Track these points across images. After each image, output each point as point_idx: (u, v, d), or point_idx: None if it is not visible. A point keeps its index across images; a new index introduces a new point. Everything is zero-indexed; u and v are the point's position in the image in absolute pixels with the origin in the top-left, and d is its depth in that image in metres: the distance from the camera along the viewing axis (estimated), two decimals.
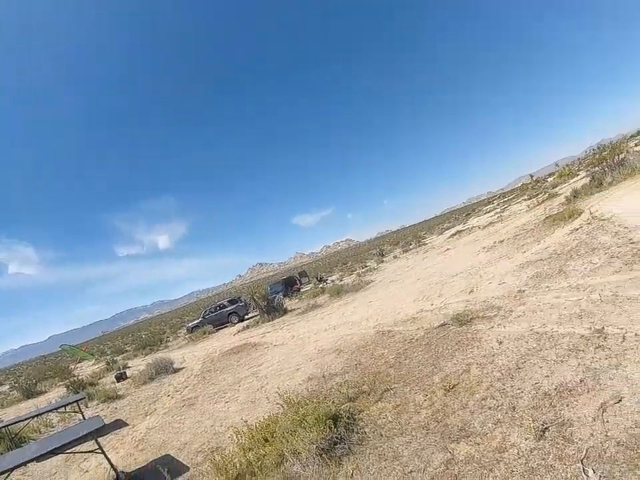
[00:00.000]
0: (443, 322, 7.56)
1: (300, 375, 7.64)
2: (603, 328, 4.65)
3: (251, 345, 13.32)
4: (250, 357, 11.39)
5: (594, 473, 2.59)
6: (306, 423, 4.36)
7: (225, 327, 23.83)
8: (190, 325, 25.92)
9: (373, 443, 4.12)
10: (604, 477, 2.53)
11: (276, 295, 21.62)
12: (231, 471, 4.30)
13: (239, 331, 18.69)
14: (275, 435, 4.58)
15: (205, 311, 25.46)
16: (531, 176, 36.53)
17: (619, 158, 15.01)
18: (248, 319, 23.21)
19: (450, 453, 3.47)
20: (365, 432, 4.38)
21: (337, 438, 4.25)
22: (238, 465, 4.39)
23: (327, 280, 31.97)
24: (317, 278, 33.68)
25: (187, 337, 24.25)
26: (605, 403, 3.29)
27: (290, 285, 31.17)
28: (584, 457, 2.79)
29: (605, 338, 4.42)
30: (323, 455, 4.02)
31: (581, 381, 3.80)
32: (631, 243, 7.12)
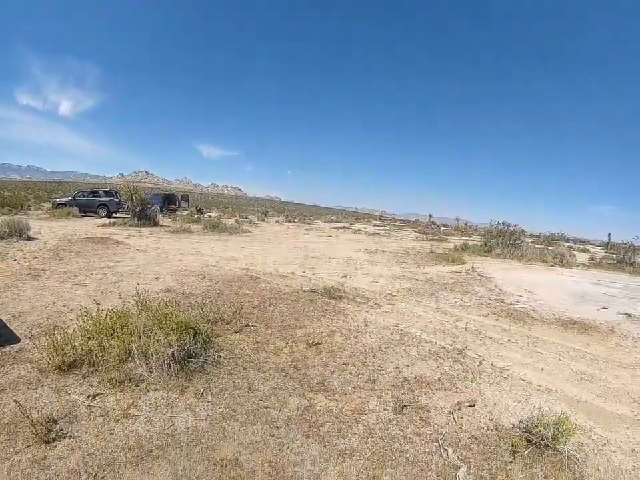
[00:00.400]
0: (312, 289, 7.68)
1: (158, 284, 7.24)
2: (463, 349, 5.08)
3: (113, 241, 12.48)
4: (109, 252, 10.63)
5: (453, 452, 2.70)
6: (165, 325, 3.91)
7: (92, 216, 22.72)
8: (57, 200, 24.73)
9: (227, 369, 3.91)
10: (460, 458, 2.66)
11: (153, 205, 21.05)
12: (68, 354, 3.67)
13: (103, 225, 17.81)
14: (125, 330, 3.98)
15: (77, 192, 24.60)
16: (430, 215, 39.78)
17: (514, 241, 17.33)
18: (115, 217, 22.30)
19: (308, 401, 3.41)
20: (221, 357, 4.16)
21: (193, 351, 3.89)
22: (78, 349, 3.76)
23: (205, 213, 31.64)
24: (196, 208, 33.55)
25: (49, 211, 22.90)
26: (460, 403, 3.55)
27: (169, 202, 31.06)
28: (441, 438, 2.93)
29: (464, 357, 4.83)
30: (174, 365, 3.62)
31: (438, 380, 4.08)
32: (502, 302, 8.04)
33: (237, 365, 4.02)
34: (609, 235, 26.76)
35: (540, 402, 3.67)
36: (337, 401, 3.44)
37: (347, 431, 3.00)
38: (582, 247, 26.83)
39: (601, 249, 25.98)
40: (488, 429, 3.14)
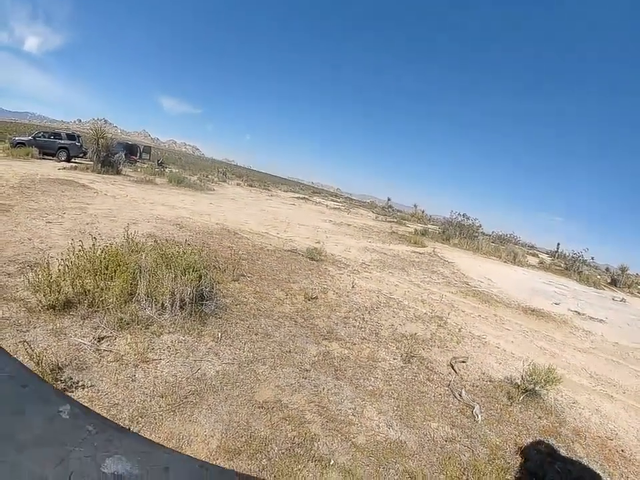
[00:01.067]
0: (293, 249, 7.94)
1: (137, 228, 6.77)
2: (443, 317, 5.65)
3: (79, 184, 11.78)
4: (77, 194, 9.98)
5: (466, 394, 3.15)
6: (177, 265, 3.74)
7: (51, 159, 21.30)
8: (16, 139, 22.92)
9: (238, 314, 4.02)
10: (472, 400, 3.11)
11: (118, 153, 20.15)
12: (63, 292, 3.28)
13: (65, 168, 16.72)
14: (125, 269, 3.68)
15: (38, 133, 22.80)
16: (389, 199, 40.79)
17: (472, 233, 18.63)
18: (75, 162, 20.99)
19: (325, 347, 3.73)
20: (227, 303, 4.22)
21: (204, 295, 3.89)
22: (75, 289, 3.40)
23: (166, 167, 30.55)
24: (157, 161, 32.27)
25: (7, 150, 20.94)
26: (455, 358, 4.07)
27: (131, 152, 29.65)
28: (450, 384, 3.38)
29: (445, 323, 5.41)
30: (189, 306, 3.58)
31: (430, 339, 4.60)
32: (467, 285, 8.83)
33: (245, 311, 4.15)
34: (558, 244, 28.97)
35: (517, 365, 4.24)
36: (349, 349, 3.81)
37: (368, 375, 3.38)
38: (530, 251, 28.90)
39: (548, 257, 27.97)
40: (483, 380, 3.70)
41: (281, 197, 27.59)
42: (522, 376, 3.54)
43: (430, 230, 19.51)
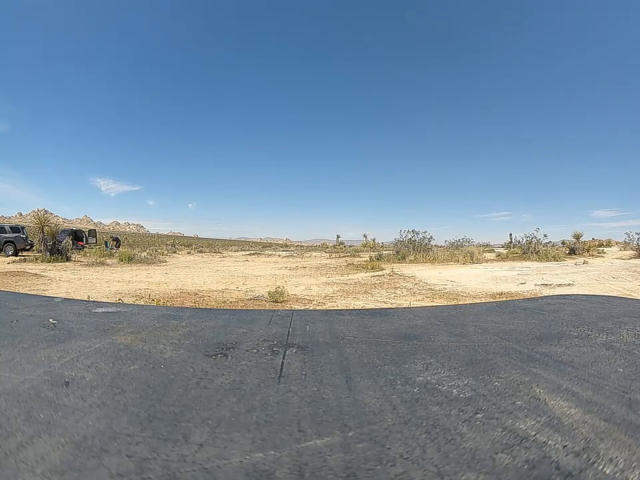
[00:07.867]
0: (256, 296, 7.81)
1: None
2: None
3: (31, 274, 11.54)
4: (31, 282, 9.80)
5: None
6: None
7: None
8: None
9: None
10: None
11: (65, 240, 19.67)
12: None
13: (13, 261, 16.54)
14: None
15: None
16: (338, 236, 41.64)
17: (425, 246, 19.00)
18: (23, 255, 20.46)
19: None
20: None
21: None
22: None
23: (120, 245, 29.94)
24: (106, 242, 31.68)
25: None
26: None
27: (76, 238, 29.04)
28: None
29: None
30: None
31: None
32: (432, 290, 8.86)
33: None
34: (510, 234, 30.02)
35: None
36: None
37: None
38: (487, 249, 29.98)
39: (504, 249, 28.92)
40: None
41: (232, 256, 27.65)
42: None
43: (384, 254, 19.83)
